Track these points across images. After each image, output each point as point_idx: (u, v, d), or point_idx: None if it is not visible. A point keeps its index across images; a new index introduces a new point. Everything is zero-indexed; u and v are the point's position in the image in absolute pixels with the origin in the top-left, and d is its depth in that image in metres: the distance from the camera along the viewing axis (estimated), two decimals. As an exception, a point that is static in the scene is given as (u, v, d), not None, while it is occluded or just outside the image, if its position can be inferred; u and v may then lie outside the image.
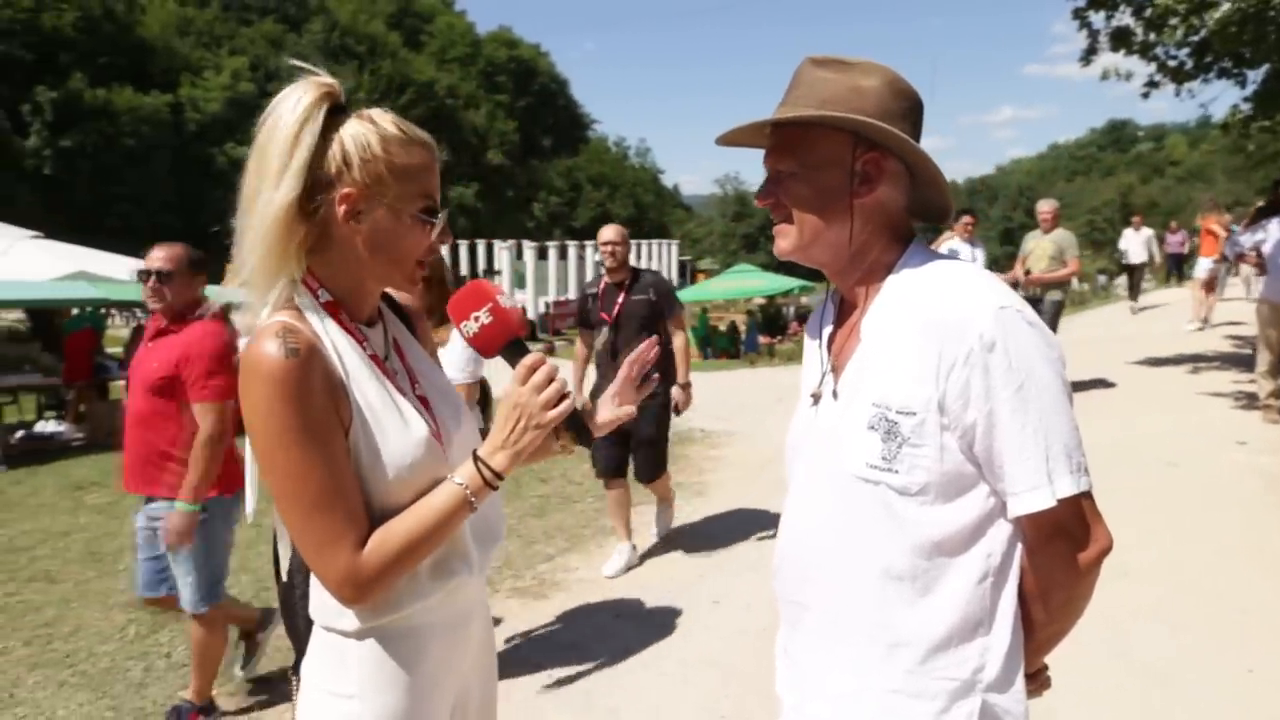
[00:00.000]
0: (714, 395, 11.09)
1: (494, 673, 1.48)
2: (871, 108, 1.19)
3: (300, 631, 2.46)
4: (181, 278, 2.95)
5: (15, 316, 14.83)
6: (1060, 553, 1.14)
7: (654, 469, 4.75)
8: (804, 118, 1.19)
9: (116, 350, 10.84)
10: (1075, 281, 10.81)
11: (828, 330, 1.34)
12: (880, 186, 1.22)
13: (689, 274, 39.14)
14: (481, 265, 33.98)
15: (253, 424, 1.15)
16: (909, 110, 1.22)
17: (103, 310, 10.44)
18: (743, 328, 16.02)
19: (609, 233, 4.60)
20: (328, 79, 1.24)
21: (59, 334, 10.03)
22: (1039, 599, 1.17)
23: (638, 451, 4.65)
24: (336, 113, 1.23)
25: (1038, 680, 1.26)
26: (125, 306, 11.72)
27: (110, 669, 3.58)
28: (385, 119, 1.24)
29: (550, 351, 19.72)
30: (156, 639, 3.86)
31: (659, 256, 36.88)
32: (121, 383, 10.04)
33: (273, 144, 1.19)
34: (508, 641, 3.75)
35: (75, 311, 9.76)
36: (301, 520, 1.16)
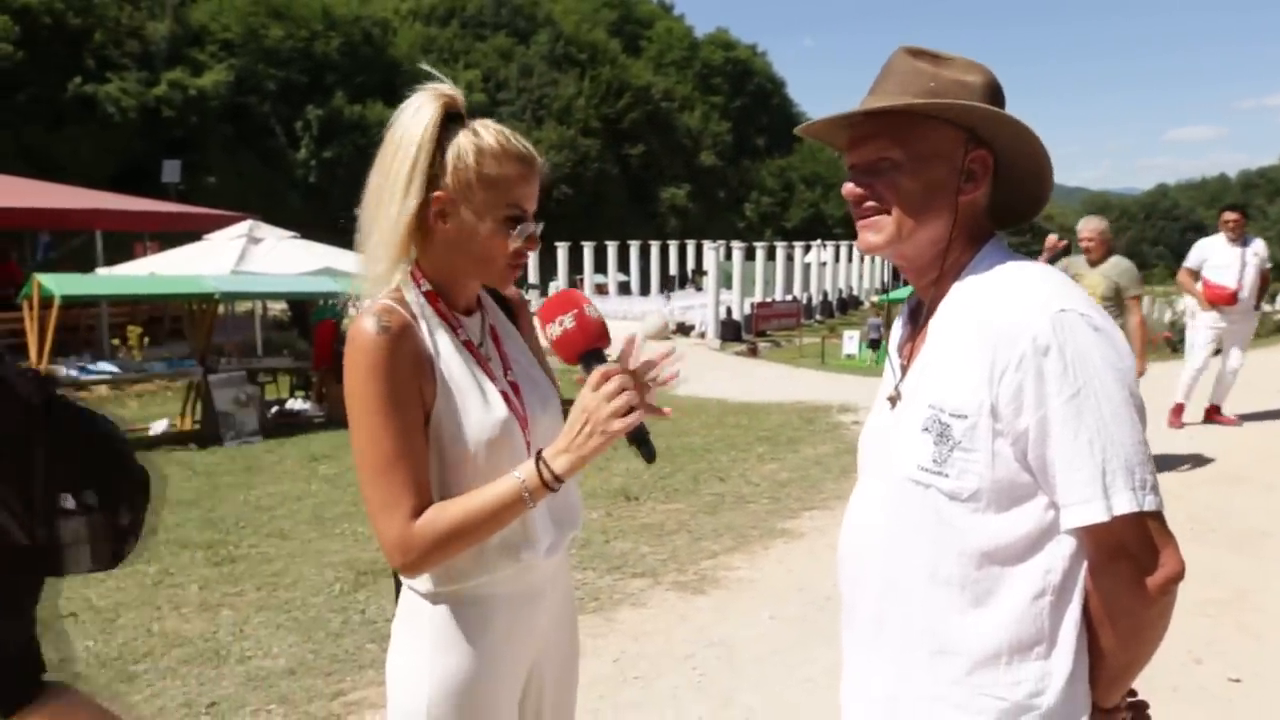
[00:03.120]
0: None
1: (574, 650, 1.55)
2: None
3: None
4: None
5: (280, 307, 17.04)
6: (1124, 575, 1.06)
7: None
8: (947, 106, 1.14)
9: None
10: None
11: (904, 331, 1.31)
12: (983, 186, 1.18)
13: (901, 275, 37.56)
14: (690, 265, 34.59)
15: (346, 389, 1.29)
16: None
17: (343, 303, 11.76)
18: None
19: None
20: (447, 88, 1.34)
21: (310, 323, 11.43)
22: (1106, 623, 1.08)
23: None
24: (454, 120, 1.34)
25: (1114, 718, 1.16)
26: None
27: (316, 619, 4.07)
28: (489, 131, 1.34)
29: (753, 353, 19.67)
30: (355, 597, 4.33)
31: (873, 259, 35.74)
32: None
33: (401, 151, 1.31)
34: (660, 633, 3.85)
35: (320, 304, 11.04)
36: (369, 480, 1.28)
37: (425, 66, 1.39)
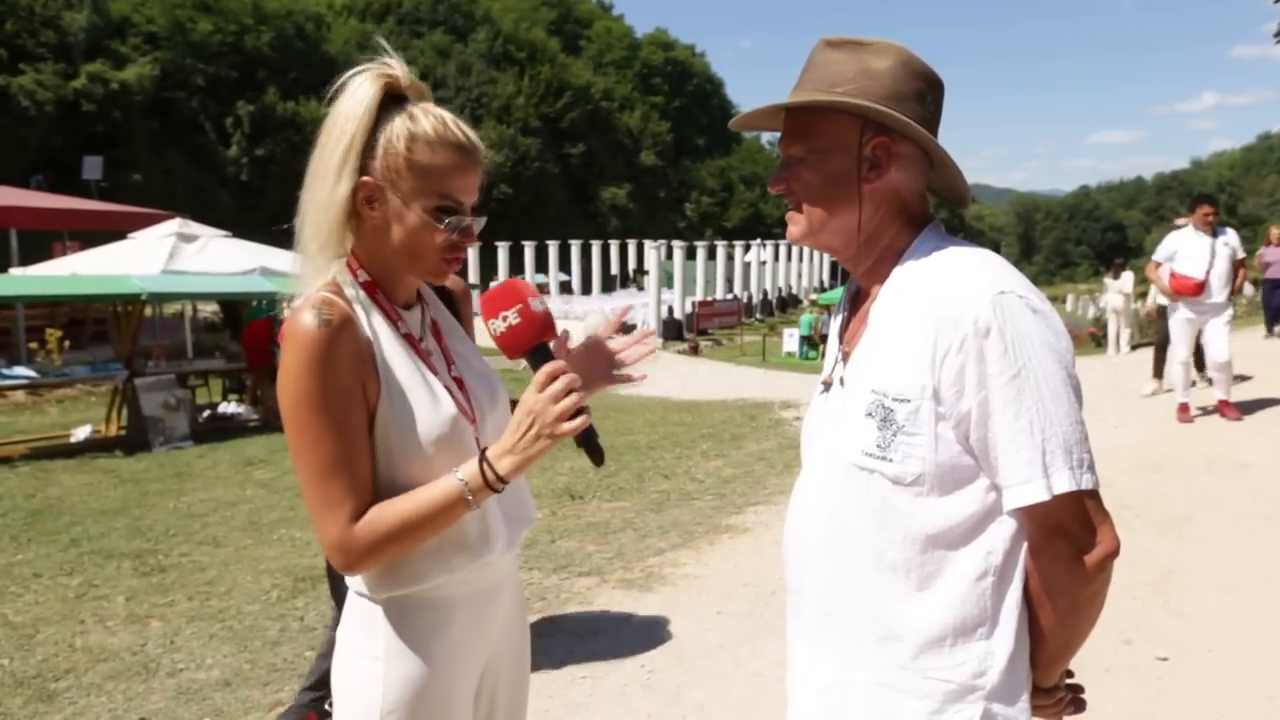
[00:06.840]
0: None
1: (526, 646, 1.52)
2: (881, 90, 1.15)
3: (340, 593, 2.65)
4: None
5: (212, 309, 16.50)
6: (1062, 554, 1.07)
7: None
8: (804, 102, 1.17)
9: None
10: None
11: (842, 317, 1.31)
12: (890, 172, 1.17)
13: (840, 274, 38.38)
14: (632, 264, 34.62)
15: (282, 386, 1.23)
16: (923, 92, 1.18)
17: (279, 302, 11.44)
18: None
19: None
20: (390, 67, 1.29)
21: (242, 324, 11.08)
22: (1045, 601, 1.10)
23: None
24: (397, 101, 1.29)
25: (1053, 698, 1.18)
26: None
27: (252, 627, 3.94)
28: (427, 115, 1.27)
29: (694, 351, 19.77)
30: (294, 604, 4.21)
31: (811, 258, 36.31)
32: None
33: (336, 133, 1.26)
34: (608, 631, 3.83)
35: (254, 304, 10.72)
36: (309, 482, 1.23)
37: (380, 40, 1.33)
